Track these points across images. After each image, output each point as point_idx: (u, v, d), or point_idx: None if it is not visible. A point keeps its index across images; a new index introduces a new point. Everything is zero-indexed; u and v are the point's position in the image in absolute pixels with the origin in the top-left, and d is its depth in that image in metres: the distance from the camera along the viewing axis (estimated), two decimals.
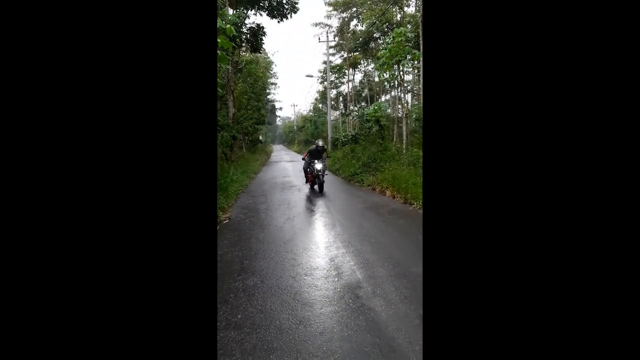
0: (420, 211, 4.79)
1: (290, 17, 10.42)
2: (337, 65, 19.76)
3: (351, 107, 20.04)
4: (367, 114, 10.58)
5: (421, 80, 12.48)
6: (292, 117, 46.92)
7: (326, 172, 7.58)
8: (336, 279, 2.62)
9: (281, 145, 47.84)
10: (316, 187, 7.40)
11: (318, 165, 6.88)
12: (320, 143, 7.26)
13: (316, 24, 18.83)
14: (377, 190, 6.75)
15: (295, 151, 26.70)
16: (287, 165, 13.91)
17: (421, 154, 7.51)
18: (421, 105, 11.78)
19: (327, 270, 2.79)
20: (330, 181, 8.48)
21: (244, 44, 11.40)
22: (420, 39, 10.58)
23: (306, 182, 7.68)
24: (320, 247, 3.41)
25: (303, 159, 7.47)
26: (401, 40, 7.91)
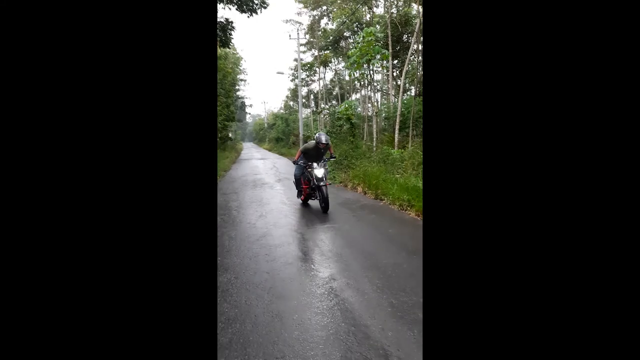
0: (391, 206, 4.94)
1: (260, 12, 10.26)
2: (308, 63, 19.77)
3: (322, 105, 20.14)
4: (338, 112, 10.71)
5: (390, 80, 12.80)
6: (263, 114, 46.33)
7: (329, 180, 5.39)
8: (311, 273, 2.65)
9: (251, 143, 47.06)
10: (311, 202, 5.17)
11: (318, 172, 4.60)
12: (324, 138, 4.80)
13: (287, 21, 18.70)
14: (348, 187, 6.86)
15: (266, 149, 26.38)
16: (257, 163, 13.75)
17: (390, 151, 7.73)
18: (390, 104, 12.10)
19: (301, 265, 2.81)
20: None
21: None
22: (389, 39, 10.85)
23: (298, 195, 5.27)
24: (293, 242, 3.43)
25: (295, 162, 5.10)
26: (371, 39, 8.08)
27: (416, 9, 11.12)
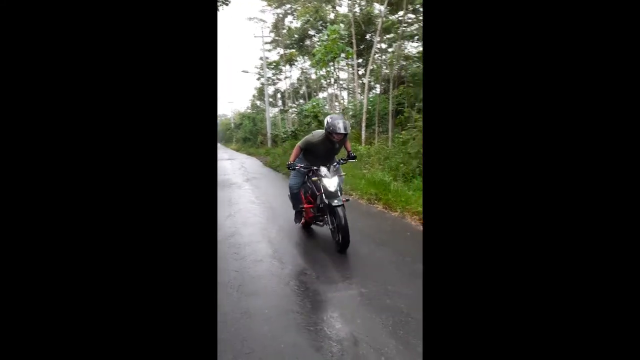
0: (359, 200, 5.03)
1: (222, 9, 10.03)
2: (274, 61, 19.59)
3: (289, 104, 20.07)
4: (305, 109, 10.72)
5: (355, 79, 13.02)
6: (229, 114, 45.29)
7: (344, 195, 3.33)
8: (280, 269, 2.64)
9: (219, 144, 45.86)
10: (316, 226, 3.33)
11: (329, 182, 2.82)
12: (341, 125, 2.81)
13: (250, 19, 18.43)
14: None
15: (234, 149, 25.79)
16: (225, 164, 13.41)
17: (358, 147, 7.86)
18: (356, 102, 12.30)
19: (271, 261, 2.79)
20: (270, 177, 8.42)
21: None
22: (354, 37, 11.02)
23: (297, 219, 3.40)
24: (262, 240, 3.39)
25: (290, 166, 3.05)
26: (335, 37, 8.16)
27: (378, 8, 11.38)
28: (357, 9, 12.32)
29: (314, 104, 10.62)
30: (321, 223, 3.16)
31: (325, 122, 2.90)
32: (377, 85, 12.05)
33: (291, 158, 3.12)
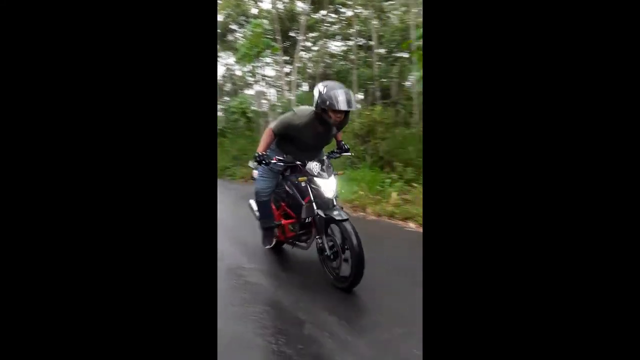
0: None
1: None
2: None
3: None
4: (232, 106, 10.36)
5: (283, 76, 13.01)
6: None
7: (340, 203, 2.10)
8: (219, 263, 2.53)
9: None
10: (302, 253, 2.34)
11: (325, 184, 1.92)
12: (343, 97, 1.75)
13: None
14: (248, 181, 6.75)
15: None
16: None
17: None
18: (285, 99, 12.33)
19: None
20: None
21: None
22: (279, 33, 10.98)
23: (266, 240, 2.40)
24: None
25: (260, 159, 1.92)
26: (260, 31, 8.05)
27: (301, 5, 11.55)
28: (279, 5, 12.31)
29: (241, 100, 10.33)
30: (305, 244, 2.22)
31: (317, 94, 1.85)
32: (305, 83, 12.24)
33: (260, 147, 1.97)
